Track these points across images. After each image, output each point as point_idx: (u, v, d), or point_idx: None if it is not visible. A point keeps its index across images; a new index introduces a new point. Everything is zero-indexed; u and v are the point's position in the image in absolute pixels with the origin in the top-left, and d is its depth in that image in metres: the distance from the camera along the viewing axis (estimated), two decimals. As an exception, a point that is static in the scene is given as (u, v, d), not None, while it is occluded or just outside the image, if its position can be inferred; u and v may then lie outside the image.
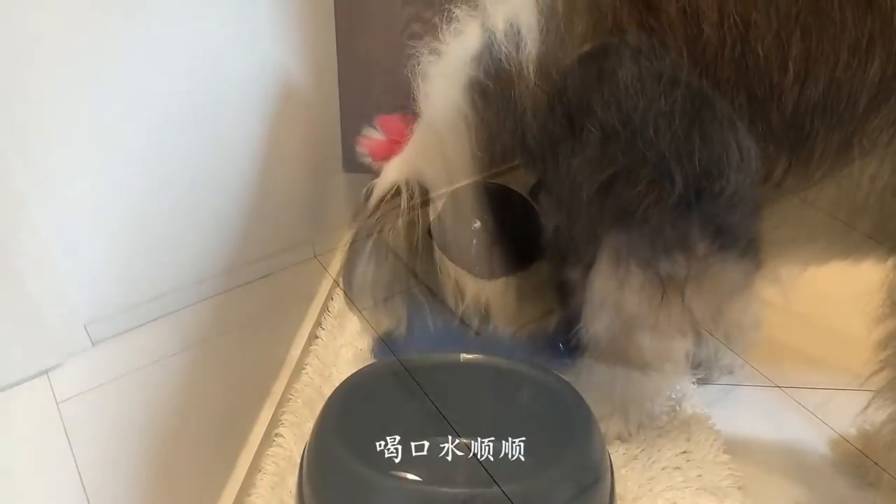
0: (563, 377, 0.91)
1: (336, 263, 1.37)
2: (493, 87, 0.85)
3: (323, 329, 1.18)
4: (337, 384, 0.88)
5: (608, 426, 0.95)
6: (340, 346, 1.15)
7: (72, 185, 0.53)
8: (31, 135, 0.48)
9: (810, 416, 1.04)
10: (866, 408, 0.89)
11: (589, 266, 0.88)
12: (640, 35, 0.76)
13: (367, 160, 1.18)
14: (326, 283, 1.29)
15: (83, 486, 0.56)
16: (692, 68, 0.75)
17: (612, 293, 0.87)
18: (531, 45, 0.82)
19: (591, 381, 0.96)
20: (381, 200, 1.00)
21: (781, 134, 0.75)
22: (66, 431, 0.58)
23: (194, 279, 0.75)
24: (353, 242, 1.01)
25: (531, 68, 0.82)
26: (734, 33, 0.73)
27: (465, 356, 0.93)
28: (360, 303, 1.03)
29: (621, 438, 0.96)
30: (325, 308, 1.23)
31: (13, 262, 0.47)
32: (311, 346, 1.14)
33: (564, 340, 1.05)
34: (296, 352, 1.09)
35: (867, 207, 0.77)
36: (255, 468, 0.90)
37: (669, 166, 0.79)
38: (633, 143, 0.79)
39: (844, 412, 0.93)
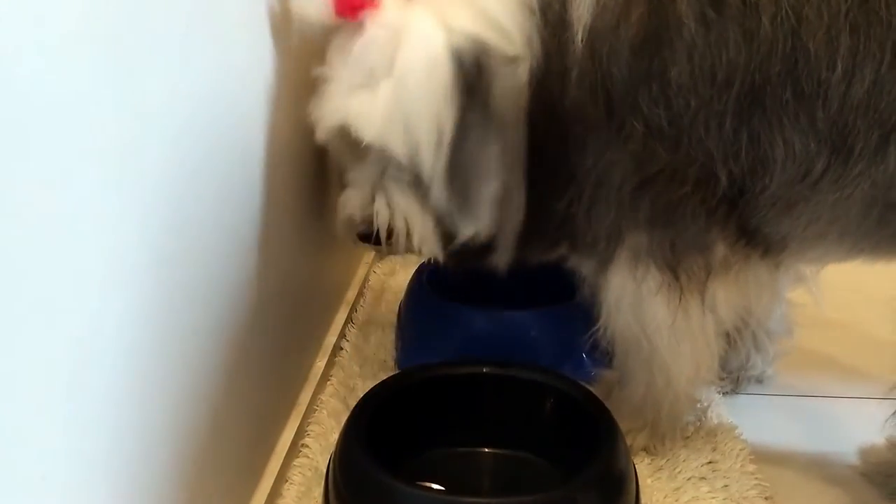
0: (589, 387, 0.91)
1: (360, 275, 1.38)
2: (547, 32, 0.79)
3: (347, 340, 1.19)
4: (361, 395, 0.89)
5: (635, 439, 0.95)
6: (364, 357, 1.16)
7: (95, 198, 0.54)
8: (54, 146, 0.50)
9: (838, 426, 1.03)
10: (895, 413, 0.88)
11: (603, 261, 0.87)
12: (696, 29, 0.74)
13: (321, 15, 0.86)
14: (351, 295, 1.30)
15: (109, 494, 0.57)
16: (747, 65, 0.74)
17: (629, 294, 0.86)
18: (586, 14, 0.77)
19: (622, 395, 0.95)
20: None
21: (825, 131, 0.75)
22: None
23: (219, 290, 0.76)
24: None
25: (581, 36, 0.77)
26: (786, 27, 0.73)
27: (488, 367, 0.93)
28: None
29: (648, 451, 0.96)
30: (349, 319, 1.24)
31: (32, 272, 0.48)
32: (335, 357, 1.15)
33: (589, 350, 1.05)
34: (321, 363, 1.10)
35: None
36: (281, 478, 0.90)
37: (715, 166, 0.78)
38: (679, 143, 0.78)
39: (873, 421, 0.92)
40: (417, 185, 0.86)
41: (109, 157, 0.55)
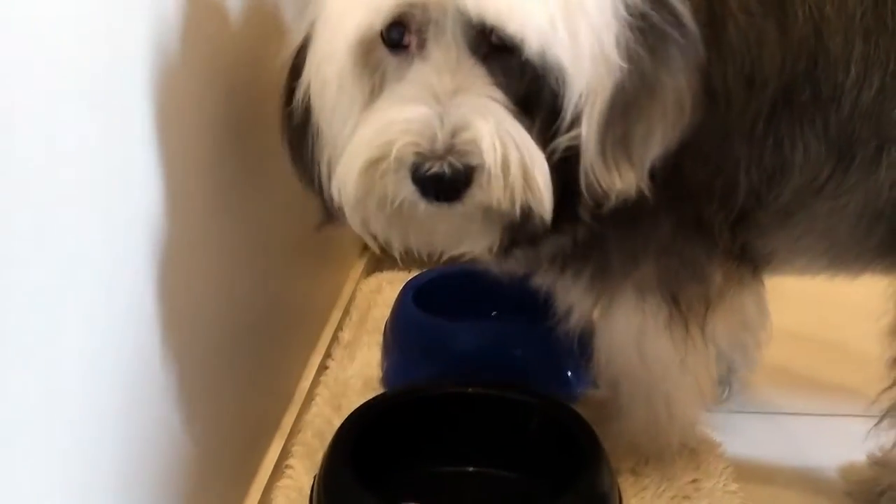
0: (573, 408, 0.91)
1: (346, 293, 1.38)
2: None
3: (332, 359, 1.19)
4: (347, 415, 0.89)
5: (621, 461, 0.93)
6: (350, 376, 1.15)
7: (81, 224, 0.54)
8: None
9: (821, 443, 1.04)
10: (878, 423, 0.87)
11: (607, 294, 0.82)
12: (743, 22, 0.70)
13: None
14: (336, 313, 1.30)
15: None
16: (781, 64, 0.71)
17: (633, 331, 0.82)
18: None
19: (620, 427, 0.93)
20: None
21: (834, 137, 0.73)
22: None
23: (202, 309, 0.76)
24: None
25: None
26: (810, 26, 0.71)
27: (473, 387, 0.93)
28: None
29: (634, 472, 0.95)
30: (334, 338, 1.23)
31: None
32: (320, 376, 1.14)
33: (575, 369, 1.06)
34: (305, 383, 1.09)
35: (884, 214, 0.76)
36: (265, 500, 0.90)
37: (739, 174, 0.75)
38: (711, 153, 0.74)
39: (857, 438, 0.93)
40: (534, 110, 0.63)
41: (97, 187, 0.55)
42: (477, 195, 0.61)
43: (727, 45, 0.71)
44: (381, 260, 1.40)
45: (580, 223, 0.69)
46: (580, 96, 0.61)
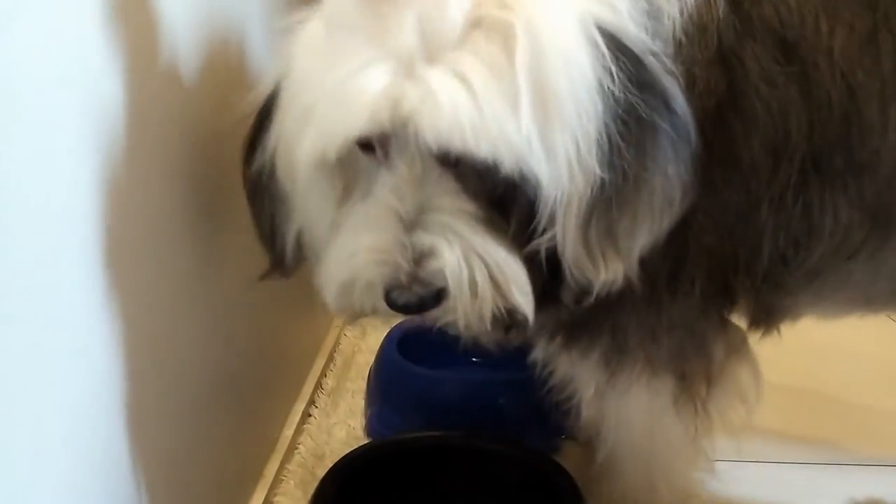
0: (555, 459, 0.91)
1: (330, 339, 1.38)
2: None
3: (316, 407, 1.18)
4: (330, 465, 0.89)
5: None
6: (333, 424, 1.15)
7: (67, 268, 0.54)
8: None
9: (803, 491, 1.04)
10: None
11: (618, 374, 0.78)
12: (762, 93, 0.68)
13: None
14: (320, 360, 1.29)
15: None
16: (809, 132, 0.69)
17: (642, 412, 0.80)
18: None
19: (612, 491, 0.91)
20: None
21: (870, 201, 0.71)
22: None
23: (184, 356, 0.76)
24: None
25: None
26: (844, 90, 0.68)
27: (456, 438, 0.93)
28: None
29: None
30: (318, 386, 1.23)
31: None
32: (304, 424, 1.14)
33: (558, 419, 1.06)
34: (289, 431, 1.08)
35: None
36: (246, 553, 0.89)
37: (762, 242, 0.73)
38: (735, 227, 0.72)
39: (840, 487, 0.93)
40: (510, 211, 0.63)
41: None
42: (451, 306, 0.62)
43: (751, 116, 0.69)
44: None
45: (563, 307, 0.68)
46: (555, 202, 0.61)
